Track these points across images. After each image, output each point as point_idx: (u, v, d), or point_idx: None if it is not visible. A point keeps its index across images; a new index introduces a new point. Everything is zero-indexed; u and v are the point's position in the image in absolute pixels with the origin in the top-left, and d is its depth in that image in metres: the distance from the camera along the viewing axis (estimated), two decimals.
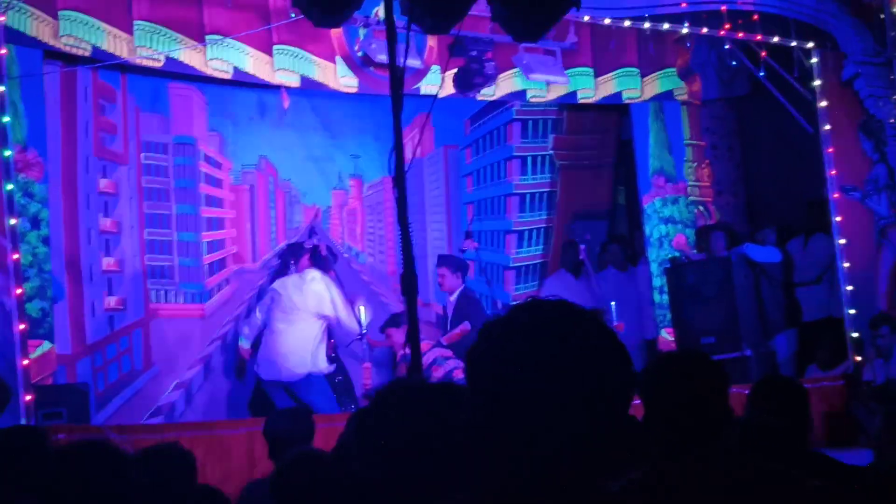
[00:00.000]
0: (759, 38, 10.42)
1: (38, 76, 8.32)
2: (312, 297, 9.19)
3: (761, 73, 10.69)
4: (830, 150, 10.51)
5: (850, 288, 10.31)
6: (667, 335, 10.85)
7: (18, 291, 7.59)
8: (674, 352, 7.14)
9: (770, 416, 3.88)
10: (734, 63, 11.14)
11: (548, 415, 1.69)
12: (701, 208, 11.40)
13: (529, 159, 11.80)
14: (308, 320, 9.21)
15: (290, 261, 9.60)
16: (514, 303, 1.90)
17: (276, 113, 10.27)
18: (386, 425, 2.04)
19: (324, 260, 9.61)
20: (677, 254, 10.99)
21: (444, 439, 1.98)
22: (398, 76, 5.38)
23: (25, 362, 7.59)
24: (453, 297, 9.97)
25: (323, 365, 9.33)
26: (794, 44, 10.44)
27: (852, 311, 10.27)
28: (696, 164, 11.46)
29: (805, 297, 10.78)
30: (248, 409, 9.56)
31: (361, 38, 9.47)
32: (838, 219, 10.45)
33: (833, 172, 10.51)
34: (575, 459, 1.69)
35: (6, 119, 7.67)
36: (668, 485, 2.35)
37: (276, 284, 9.45)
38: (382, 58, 8.90)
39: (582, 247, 10.94)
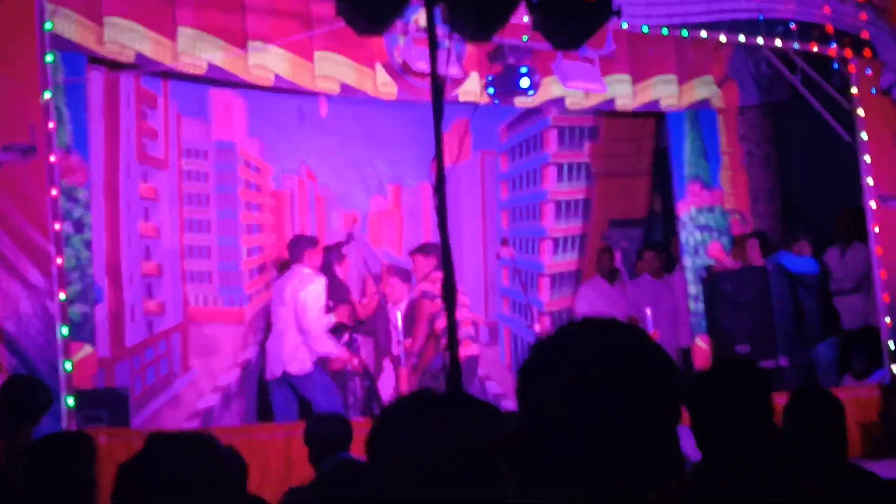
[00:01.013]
0: (796, 45, 10.38)
1: (82, 82, 8.43)
2: (296, 294, 9.26)
3: (798, 81, 10.67)
4: (867, 158, 10.46)
5: (886, 297, 10.26)
6: (702, 343, 10.84)
7: (62, 296, 7.68)
8: (724, 360, 7.12)
9: (806, 428, 3.88)
10: (771, 71, 11.11)
11: (599, 433, 1.71)
12: (737, 216, 11.37)
13: (566, 166, 11.82)
14: (291, 315, 9.28)
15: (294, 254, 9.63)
16: (566, 323, 1.88)
17: (316, 119, 10.35)
18: (393, 441, 2.00)
19: (329, 255, 9.70)
20: (713, 261, 10.97)
21: (457, 456, 1.96)
22: (439, 85, 5.43)
23: (68, 366, 7.68)
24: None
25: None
26: (831, 52, 10.40)
27: (888, 320, 10.21)
28: (732, 171, 11.43)
29: (843, 306, 10.73)
30: (255, 411, 9.68)
31: (401, 45, 9.52)
32: (875, 228, 10.40)
33: (870, 181, 10.46)
34: (625, 477, 1.71)
35: (51, 125, 7.76)
36: (705, 494, 2.37)
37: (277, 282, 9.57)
38: (422, 65, 8.95)
39: (617, 254, 10.94)
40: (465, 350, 9.49)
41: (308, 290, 9.25)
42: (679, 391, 1.80)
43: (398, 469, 1.95)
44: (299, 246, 9.53)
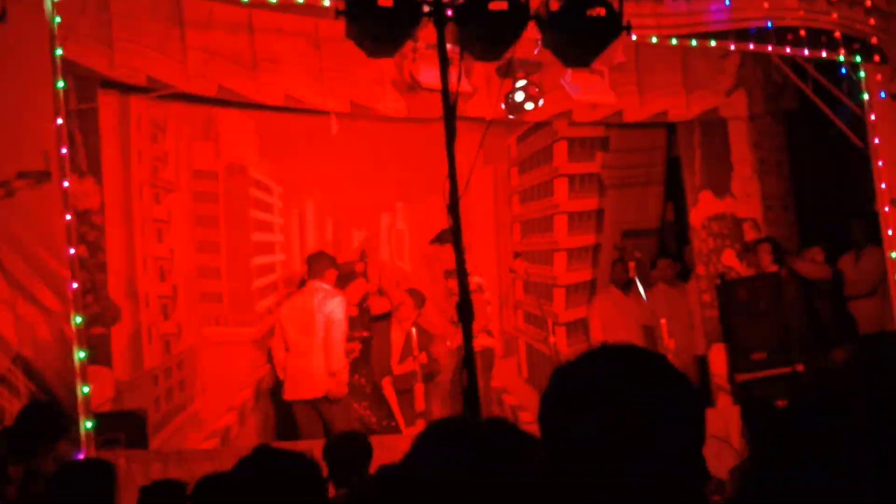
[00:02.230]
0: (806, 52, 10.38)
1: (94, 107, 8.47)
2: (320, 310, 9.23)
3: (809, 88, 10.66)
4: (880, 163, 10.45)
5: None
6: (717, 351, 10.81)
7: (78, 319, 7.71)
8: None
9: None
10: (781, 78, 11.11)
11: (623, 460, 1.72)
12: (750, 223, 11.36)
13: (577, 178, 11.82)
14: (318, 334, 9.24)
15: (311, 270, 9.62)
16: (589, 350, 1.89)
17: (325, 137, 10.37)
18: (427, 466, 2.02)
19: (346, 277, 9.70)
20: (727, 269, 10.96)
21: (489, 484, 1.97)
22: (451, 105, 5.44)
23: (85, 389, 7.70)
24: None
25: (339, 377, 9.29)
26: (841, 58, 10.39)
27: None
28: (744, 179, 11.42)
29: (859, 311, 10.71)
30: (275, 431, 9.67)
31: (410, 62, 9.53)
32: (889, 232, 10.38)
33: (883, 186, 10.45)
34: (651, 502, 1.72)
35: (64, 150, 7.80)
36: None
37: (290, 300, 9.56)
38: (431, 82, 8.96)
39: (631, 264, 10.94)
40: (482, 341, 9.45)
41: (333, 303, 9.23)
42: (701, 415, 1.81)
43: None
44: (322, 263, 9.48)
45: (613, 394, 1.75)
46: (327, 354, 9.12)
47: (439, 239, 9.97)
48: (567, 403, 1.79)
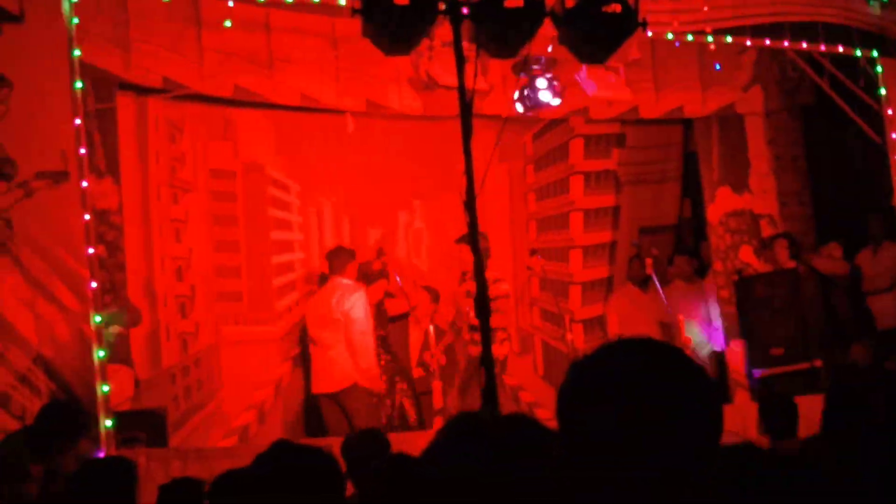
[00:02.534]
0: (822, 48, 10.35)
1: (111, 107, 8.51)
2: (341, 305, 9.25)
3: (825, 83, 10.63)
4: None
5: None
6: (735, 347, 10.80)
7: (97, 319, 7.75)
8: None
9: None
10: (797, 73, 11.07)
11: (638, 454, 1.72)
12: (767, 219, 11.33)
13: (593, 175, 11.82)
14: (340, 330, 9.26)
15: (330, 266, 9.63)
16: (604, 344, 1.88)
17: (341, 135, 10.39)
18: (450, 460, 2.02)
19: (367, 275, 9.69)
20: (744, 265, 10.94)
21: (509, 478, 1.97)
22: (468, 101, 5.45)
23: (105, 388, 7.75)
24: None
25: (370, 373, 9.33)
26: (857, 53, 10.36)
27: None
28: (761, 175, 11.40)
29: (877, 306, 10.68)
30: (304, 425, 9.71)
31: (426, 60, 9.54)
32: None
33: None
34: (669, 497, 1.72)
35: (82, 151, 7.84)
36: None
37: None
38: (447, 80, 8.98)
39: (648, 261, 10.92)
40: (501, 349, 9.46)
41: (352, 299, 9.25)
42: (719, 409, 1.81)
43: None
44: (341, 258, 9.51)
45: (631, 387, 1.75)
46: (352, 351, 9.16)
47: (466, 239, 9.90)
48: (584, 396, 1.79)
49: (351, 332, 9.16)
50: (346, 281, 9.36)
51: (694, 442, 1.75)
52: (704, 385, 1.80)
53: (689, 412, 1.75)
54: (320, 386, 9.39)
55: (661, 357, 1.81)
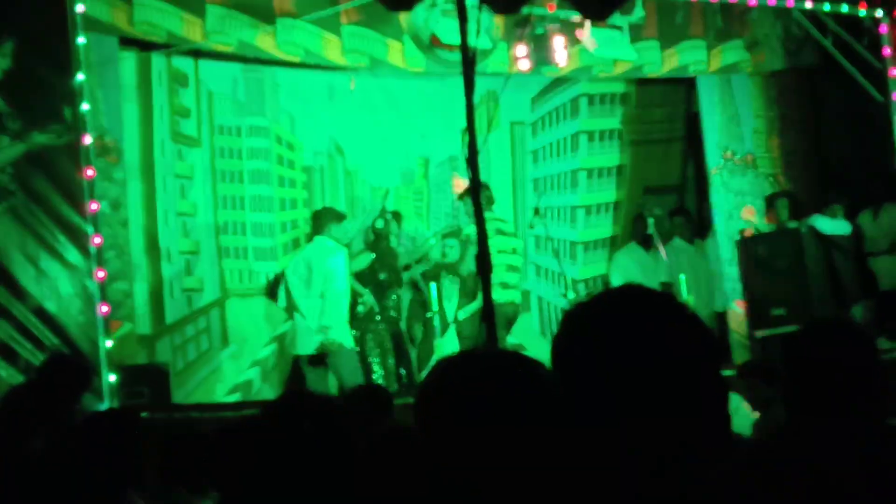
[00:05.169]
0: (826, 7, 10.28)
1: (114, 63, 8.49)
2: (317, 265, 9.03)
3: (829, 43, 10.57)
4: None
5: None
6: (737, 307, 10.82)
7: (101, 274, 7.78)
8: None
9: None
10: (801, 33, 11.01)
11: (638, 403, 1.68)
12: (771, 180, 11.32)
13: (597, 134, 11.79)
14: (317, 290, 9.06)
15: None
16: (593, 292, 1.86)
17: (345, 94, 10.36)
18: (446, 395, 1.92)
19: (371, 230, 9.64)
20: (747, 225, 10.92)
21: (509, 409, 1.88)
22: (470, 58, 5.42)
23: (108, 343, 7.79)
24: None
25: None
26: (862, 10, 10.29)
27: None
28: (765, 135, 11.36)
29: (878, 267, 10.68)
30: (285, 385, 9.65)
31: (430, 17, 9.48)
32: None
33: None
34: (670, 449, 1.69)
35: (85, 106, 7.84)
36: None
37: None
38: (451, 38, 8.92)
39: (650, 221, 10.90)
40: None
41: (329, 262, 8.97)
42: (718, 359, 1.78)
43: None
44: (322, 219, 9.25)
45: (624, 334, 1.71)
46: (323, 309, 8.98)
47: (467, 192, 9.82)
48: (578, 344, 1.76)
49: (328, 287, 9.02)
50: (328, 242, 9.13)
51: (695, 391, 1.71)
52: (702, 333, 1.77)
53: (688, 360, 1.71)
54: (299, 346, 9.18)
55: (656, 304, 1.78)
